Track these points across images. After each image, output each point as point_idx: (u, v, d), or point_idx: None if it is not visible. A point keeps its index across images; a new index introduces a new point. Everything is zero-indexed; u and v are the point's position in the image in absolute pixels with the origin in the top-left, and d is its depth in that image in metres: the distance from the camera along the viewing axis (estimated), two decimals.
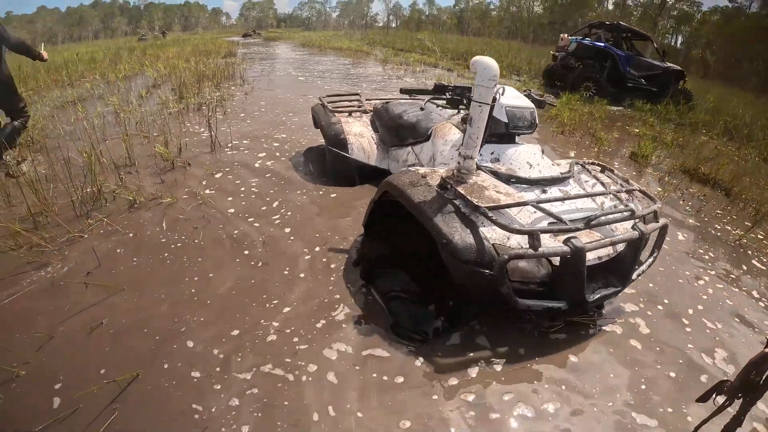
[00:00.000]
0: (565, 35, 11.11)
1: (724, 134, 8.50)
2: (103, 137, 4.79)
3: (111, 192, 3.37)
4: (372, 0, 74.82)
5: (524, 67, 15.14)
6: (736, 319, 2.54)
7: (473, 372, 1.89)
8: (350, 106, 3.94)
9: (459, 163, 2.03)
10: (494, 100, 2.02)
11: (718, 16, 37.41)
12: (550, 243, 1.84)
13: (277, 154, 4.36)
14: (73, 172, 3.57)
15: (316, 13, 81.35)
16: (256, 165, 4.07)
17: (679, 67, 10.38)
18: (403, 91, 2.81)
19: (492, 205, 1.84)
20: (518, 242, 1.80)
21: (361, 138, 3.55)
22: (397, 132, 3.39)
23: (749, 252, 3.52)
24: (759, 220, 4.14)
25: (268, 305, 2.24)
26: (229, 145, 4.52)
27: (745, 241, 3.67)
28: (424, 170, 2.18)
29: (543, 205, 1.91)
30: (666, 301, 2.59)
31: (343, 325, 2.11)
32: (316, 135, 4.55)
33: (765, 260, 3.44)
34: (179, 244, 2.75)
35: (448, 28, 60.89)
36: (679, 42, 40.19)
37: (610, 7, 44.34)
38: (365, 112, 3.88)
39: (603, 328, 2.25)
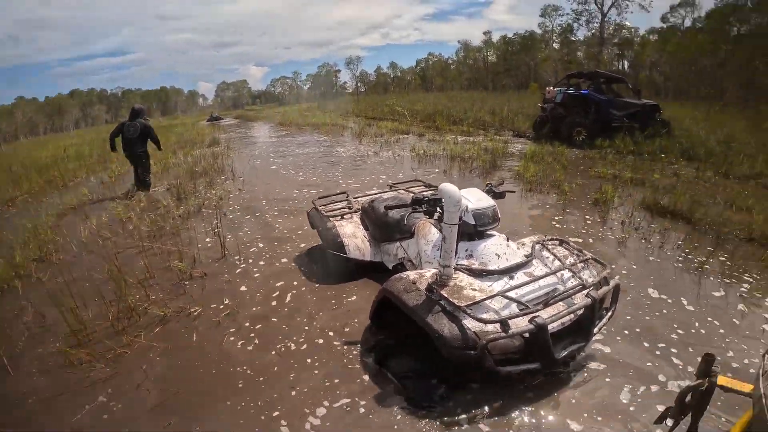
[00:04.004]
0: (551, 88, 12.28)
1: (682, 156, 9.17)
2: (116, 249, 5.13)
3: (142, 307, 3.71)
4: (339, 70, 77.79)
5: (488, 119, 16.09)
6: (697, 344, 2.98)
7: (483, 427, 2.32)
8: (341, 208, 4.38)
9: (440, 270, 2.51)
10: (460, 218, 2.50)
11: (656, 37, 39.37)
12: (519, 322, 2.29)
13: (282, 257, 4.67)
14: (100, 288, 3.96)
15: (289, 88, 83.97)
16: (266, 270, 4.40)
17: (654, 102, 11.44)
18: (387, 207, 3.29)
19: (469, 303, 2.32)
20: (494, 326, 2.25)
21: (354, 238, 3.94)
22: (384, 229, 3.80)
23: (710, 277, 3.96)
24: (720, 242, 4.62)
25: (300, 389, 2.63)
26: (237, 253, 4.83)
27: (707, 267, 4.11)
28: (413, 275, 2.64)
29: (510, 293, 2.44)
30: (635, 334, 3.06)
31: (368, 402, 2.52)
32: (310, 234, 4.92)
33: (727, 281, 3.88)
34: (213, 352, 3.09)
35: (413, 88, 63.19)
36: (626, 66, 41.97)
37: (556, 46, 46.59)
38: (355, 211, 4.30)
39: (578, 373, 2.70)
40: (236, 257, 4.73)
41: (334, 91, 73.94)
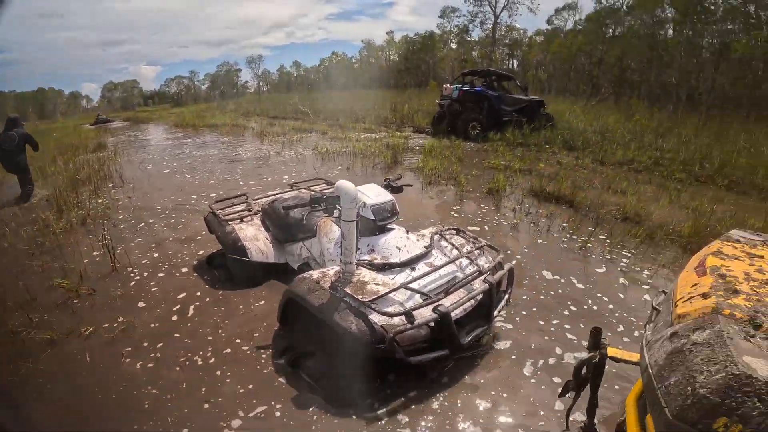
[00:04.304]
0: (448, 85, 12.79)
1: (564, 147, 10.04)
2: None
3: (25, 332, 3.32)
4: (240, 69, 74.49)
5: (390, 116, 16.43)
6: (588, 319, 3.29)
7: (402, 417, 2.38)
8: (240, 211, 4.19)
9: (342, 268, 2.55)
10: (358, 215, 2.54)
11: (542, 38, 42.29)
12: (424, 312, 2.38)
13: (181, 267, 4.40)
14: None
15: (185, 88, 78.95)
16: (164, 281, 4.13)
17: (539, 98, 12.33)
18: (286, 208, 3.29)
19: (374, 297, 2.37)
20: (400, 318, 2.31)
21: (256, 241, 3.81)
22: (287, 229, 3.74)
23: (593, 255, 4.39)
24: (600, 223, 5.12)
25: (213, 402, 2.52)
26: (130, 265, 4.47)
27: (589, 245, 4.53)
28: (316, 275, 2.64)
29: (412, 285, 2.52)
30: (533, 313, 3.30)
31: (284, 406, 2.48)
32: (209, 240, 4.60)
33: (609, 258, 4.32)
34: (112, 374, 2.84)
35: (317, 87, 62.63)
36: (515, 65, 44.54)
37: (454, 46, 48.36)
38: (255, 213, 4.16)
39: (485, 355, 2.87)
40: (129, 269, 4.38)
41: (235, 91, 70.95)
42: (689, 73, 27.09)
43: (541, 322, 3.23)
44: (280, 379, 2.69)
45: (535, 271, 4.02)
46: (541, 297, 3.58)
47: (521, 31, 44.08)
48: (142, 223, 5.90)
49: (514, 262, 3.30)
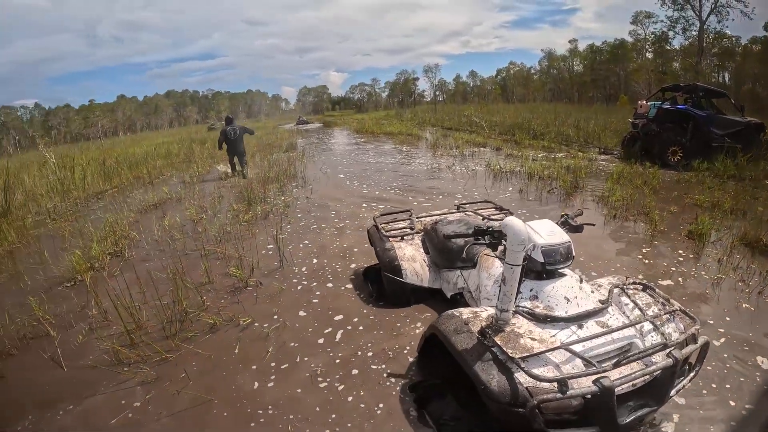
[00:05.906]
0: (644, 102, 11.18)
1: None
2: (183, 251, 5.33)
3: (195, 313, 3.73)
4: (417, 78, 77.72)
5: (572, 134, 15.25)
6: None
7: None
8: (402, 228, 4.15)
9: (497, 314, 2.19)
10: (525, 258, 2.16)
11: (759, 47, 35.66)
12: (582, 381, 1.93)
13: (339, 271, 4.57)
14: (159, 289, 4.08)
15: (367, 95, 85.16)
16: (323, 286, 4.27)
17: (759, 120, 10.20)
18: (446, 236, 2.95)
19: (525, 354, 1.99)
20: (552, 384, 1.90)
21: (413, 262, 3.72)
22: (446, 255, 3.53)
23: None
24: None
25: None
26: (296, 262, 4.81)
27: None
28: (467, 314, 2.36)
29: (575, 347, 2.07)
30: (723, 390, 2.58)
31: None
32: (369, 251, 4.57)
33: None
34: (250, 375, 2.97)
35: (493, 98, 61.84)
36: (726, 79, 38.30)
37: (649, 56, 43.44)
38: (417, 232, 4.05)
39: None
40: (295, 269, 4.67)
41: (412, 99, 74.10)
42: None
43: (732, 404, 2.51)
44: (403, 417, 2.51)
45: (736, 341, 3.16)
46: (741, 378, 2.75)
47: (733, 39, 37.74)
48: (315, 225, 6.27)
49: (706, 337, 2.57)
